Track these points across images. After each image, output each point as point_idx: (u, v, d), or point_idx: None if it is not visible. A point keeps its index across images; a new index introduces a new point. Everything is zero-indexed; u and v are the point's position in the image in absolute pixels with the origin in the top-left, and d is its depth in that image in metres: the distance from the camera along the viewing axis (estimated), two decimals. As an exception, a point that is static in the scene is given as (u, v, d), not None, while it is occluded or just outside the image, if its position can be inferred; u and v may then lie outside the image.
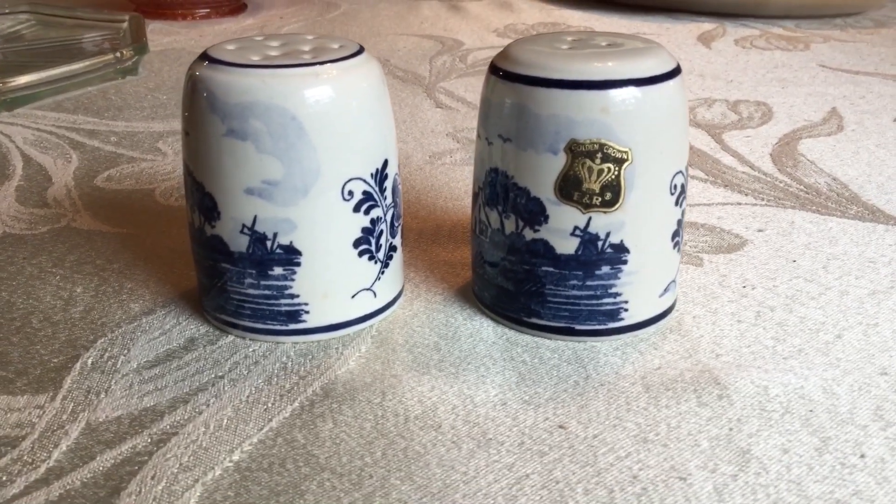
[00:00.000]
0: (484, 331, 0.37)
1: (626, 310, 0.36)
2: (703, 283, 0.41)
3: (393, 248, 0.37)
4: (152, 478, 0.28)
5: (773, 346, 0.36)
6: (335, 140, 0.34)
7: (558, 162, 0.33)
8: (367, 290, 0.36)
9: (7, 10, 0.88)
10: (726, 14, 1.02)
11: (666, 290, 0.37)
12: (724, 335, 0.37)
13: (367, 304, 0.37)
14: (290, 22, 1.03)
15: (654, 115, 0.34)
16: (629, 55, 0.34)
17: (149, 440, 0.30)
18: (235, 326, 0.36)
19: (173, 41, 0.92)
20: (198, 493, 0.28)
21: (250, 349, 0.36)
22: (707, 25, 0.99)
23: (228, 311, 0.36)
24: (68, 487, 0.28)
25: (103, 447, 0.30)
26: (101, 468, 0.29)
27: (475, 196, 0.38)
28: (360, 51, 0.35)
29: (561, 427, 0.31)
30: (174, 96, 0.72)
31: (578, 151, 0.33)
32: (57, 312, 0.39)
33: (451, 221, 0.48)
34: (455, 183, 0.54)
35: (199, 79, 0.34)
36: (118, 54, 0.76)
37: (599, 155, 0.33)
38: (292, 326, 0.36)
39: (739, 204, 0.50)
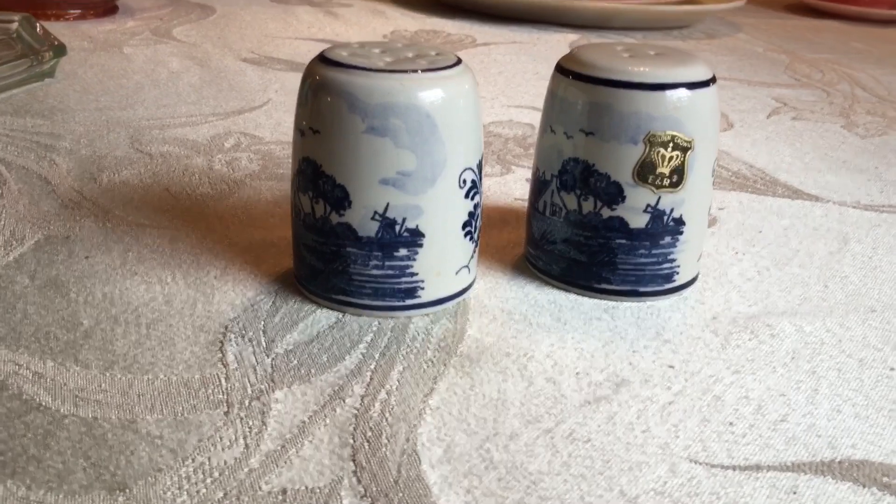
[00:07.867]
0: (558, 298, 0.43)
1: (678, 273, 0.43)
2: (705, 252, 0.50)
3: (480, 230, 0.43)
4: (370, 430, 0.32)
5: (783, 296, 0.45)
6: (456, 135, 0.38)
7: (637, 151, 0.40)
8: (465, 266, 0.41)
9: None
10: (581, 26, 1.13)
11: (700, 255, 0.45)
12: (744, 290, 0.45)
13: (465, 280, 0.42)
14: (172, 24, 1.02)
15: (706, 111, 0.41)
16: (684, 62, 0.42)
17: (342, 403, 0.34)
18: (351, 305, 0.40)
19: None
20: (419, 437, 0.32)
21: (373, 324, 0.40)
22: (572, 35, 1.09)
23: (347, 292, 0.40)
24: (302, 448, 0.31)
25: (304, 411, 0.33)
26: (317, 430, 0.32)
27: (544, 184, 0.44)
28: (459, 60, 0.40)
29: (670, 367, 0.38)
30: (113, 100, 0.71)
31: (655, 142, 0.40)
32: (161, 304, 0.40)
33: (469, 210, 0.53)
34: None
35: (334, 82, 0.37)
36: (39, 57, 0.74)
37: (671, 144, 0.40)
38: (408, 302, 0.40)
39: (692, 188, 0.60)
